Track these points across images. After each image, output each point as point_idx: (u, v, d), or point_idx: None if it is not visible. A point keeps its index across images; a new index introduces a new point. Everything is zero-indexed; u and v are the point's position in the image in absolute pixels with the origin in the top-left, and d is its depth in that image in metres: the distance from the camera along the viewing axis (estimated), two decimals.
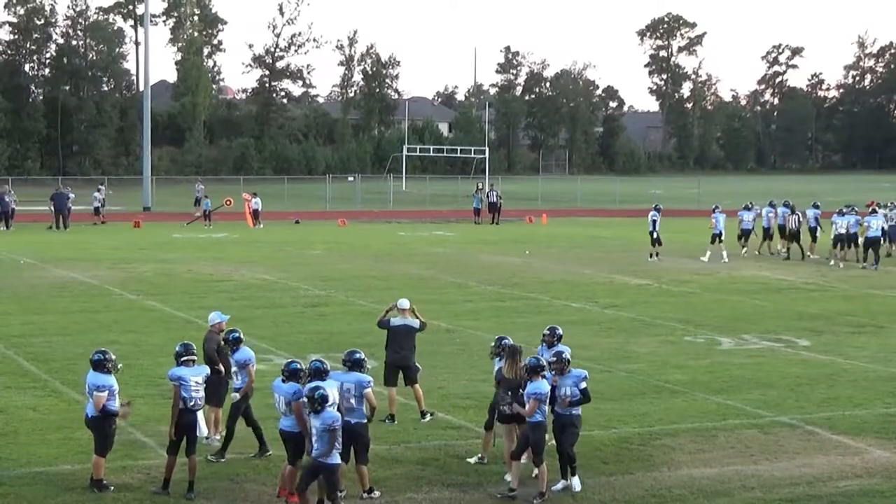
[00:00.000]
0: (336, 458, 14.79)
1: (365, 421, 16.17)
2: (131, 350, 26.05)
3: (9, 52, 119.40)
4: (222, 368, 18.17)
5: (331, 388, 15.40)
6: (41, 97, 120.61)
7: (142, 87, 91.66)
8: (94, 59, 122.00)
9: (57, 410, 20.92)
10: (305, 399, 15.07)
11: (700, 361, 25.98)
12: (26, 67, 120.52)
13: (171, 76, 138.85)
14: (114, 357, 16.54)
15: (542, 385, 16.07)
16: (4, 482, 16.71)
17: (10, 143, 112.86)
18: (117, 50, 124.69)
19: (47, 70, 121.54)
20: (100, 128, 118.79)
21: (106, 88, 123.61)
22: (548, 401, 16.24)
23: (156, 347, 26.43)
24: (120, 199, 79.91)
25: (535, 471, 16.27)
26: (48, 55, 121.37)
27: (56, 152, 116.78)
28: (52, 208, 63.57)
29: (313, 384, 15.19)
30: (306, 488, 14.99)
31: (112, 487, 16.24)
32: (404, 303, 20.62)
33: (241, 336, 18.14)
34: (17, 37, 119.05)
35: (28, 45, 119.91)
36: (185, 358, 16.63)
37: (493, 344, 17.73)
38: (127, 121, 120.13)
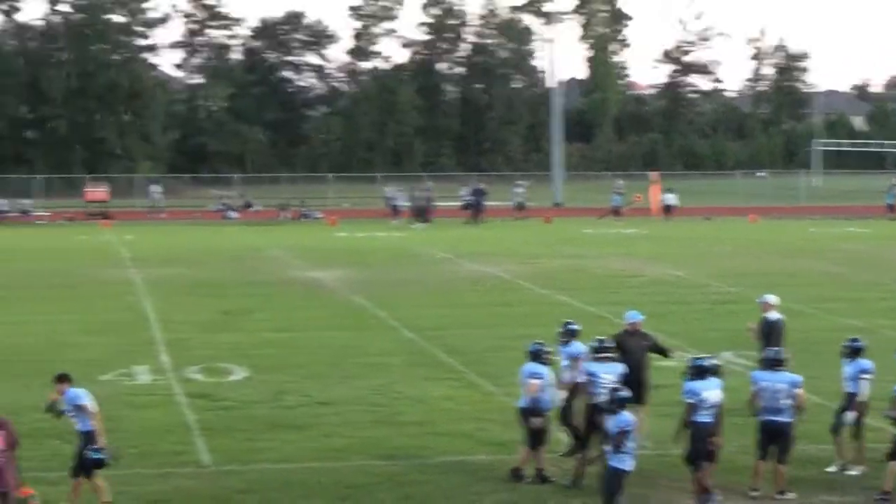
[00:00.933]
0: (622, 463, 14.60)
1: (791, 421, 15.98)
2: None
3: (424, 51, 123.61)
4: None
5: (709, 391, 15.55)
6: (455, 95, 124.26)
7: (551, 84, 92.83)
8: (505, 56, 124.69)
9: (471, 402, 21.52)
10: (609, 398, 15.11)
11: None
12: (440, 66, 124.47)
13: (581, 73, 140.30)
14: (549, 349, 16.97)
15: None
16: (423, 470, 17.35)
17: (426, 141, 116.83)
18: (527, 47, 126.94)
19: (460, 69, 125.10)
20: (511, 125, 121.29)
21: (517, 86, 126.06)
22: None
23: None
24: (531, 196, 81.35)
25: None
26: (461, 54, 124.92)
27: (469, 149, 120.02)
28: (469, 204, 65.66)
29: (615, 389, 15.22)
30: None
31: (529, 479, 16.56)
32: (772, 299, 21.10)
33: (577, 329, 18.13)
34: (431, 37, 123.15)
35: (442, 45, 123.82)
36: (602, 355, 16.83)
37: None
38: (537, 117, 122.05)
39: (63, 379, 15.71)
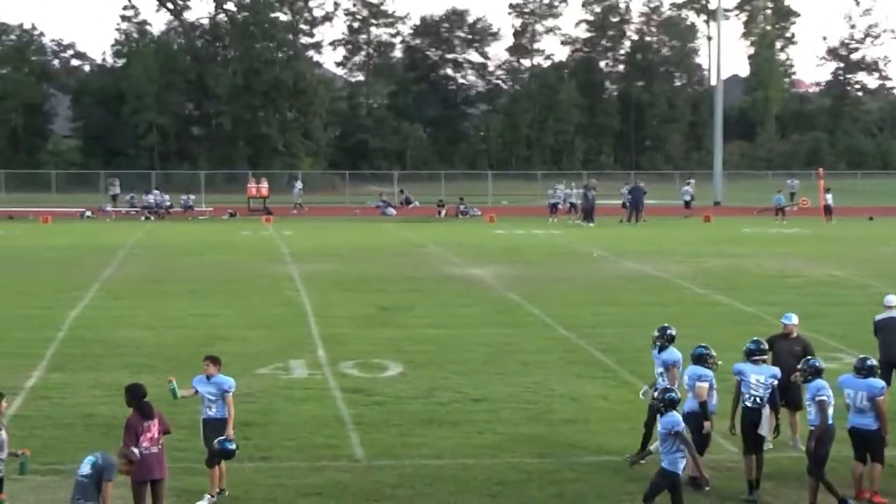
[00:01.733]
0: (674, 465, 14.40)
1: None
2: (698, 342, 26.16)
3: (585, 49, 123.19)
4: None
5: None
6: (615, 93, 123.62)
7: (714, 82, 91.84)
8: (667, 54, 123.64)
9: (626, 401, 21.39)
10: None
11: None
12: (601, 64, 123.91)
13: (743, 70, 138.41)
14: (714, 354, 16.75)
15: None
16: (575, 468, 17.30)
17: (586, 139, 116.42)
18: (690, 45, 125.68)
19: (621, 66, 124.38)
20: (672, 123, 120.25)
21: (678, 83, 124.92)
22: None
23: (721, 342, 26.38)
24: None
25: None
26: (622, 52, 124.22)
27: (629, 147, 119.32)
28: (628, 202, 65.40)
29: (665, 389, 15.04)
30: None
31: (708, 487, 16.32)
32: (891, 299, 20.39)
33: (674, 334, 17.78)
34: (593, 34, 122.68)
35: (603, 42, 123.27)
36: (756, 357, 16.59)
37: None
38: (698, 116, 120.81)
39: (216, 361, 16.03)
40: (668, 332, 17.68)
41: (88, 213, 69.30)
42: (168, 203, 70.38)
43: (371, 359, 25.20)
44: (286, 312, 31.69)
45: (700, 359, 16.69)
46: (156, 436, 14.11)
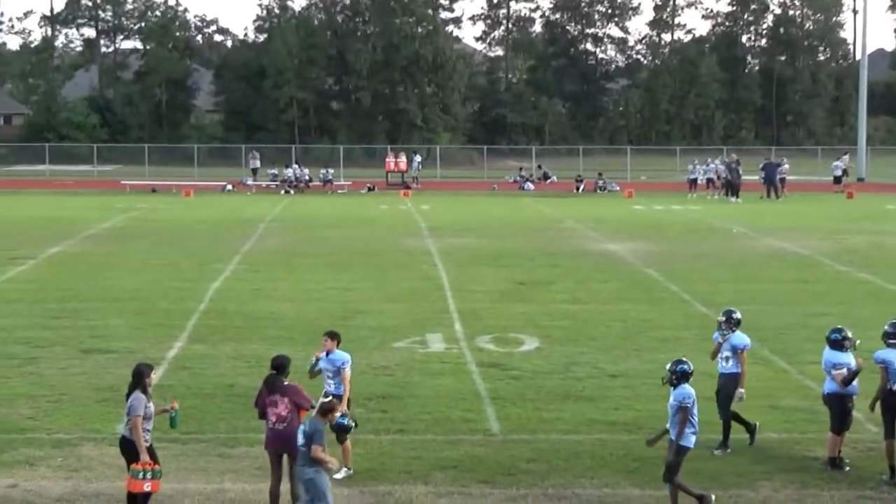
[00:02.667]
0: (684, 440, 14.35)
1: None
2: (841, 321, 25.74)
3: (727, 23, 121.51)
4: None
5: None
6: (757, 68, 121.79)
7: (858, 56, 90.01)
8: (811, 28, 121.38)
9: (764, 378, 21.11)
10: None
11: None
12: (743, 38, 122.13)
13: (889, 44, 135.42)
14: (851, 335, 16.44)
15: None
16: (713, 446, 17.09)
17: (726, 114, 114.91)
18: (834, 19, 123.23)
19: (763, 40, 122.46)
20: (814, 98, 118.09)
21: (821, 58, 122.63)
22: None
23: (865, 321, 25.90)
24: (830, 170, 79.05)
25: None
26: (765, 25, 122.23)
27: (770, 122, 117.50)
28: (763, 178, 64.47)
29: (678, 361, 14.80)
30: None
31: (848, 468, 16.10)
32: None
33: (740, 318, 17.30)
34: (735, 8, 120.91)
35: (745, 17, 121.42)
36: (893, 340, 16.22)
37: None
38: (842, 90, 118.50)
39: (334, 336, 16.14)
40: (735, 315, 17.33)
41: (229, 187, 70.35)
42: (307, 177, 71.15)
43: (508, 333, 25.22)
44: (423, 286, 31.85)
45: (836, 344, 16.35)
46: (283, 413, 14.05)
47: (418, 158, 77.52)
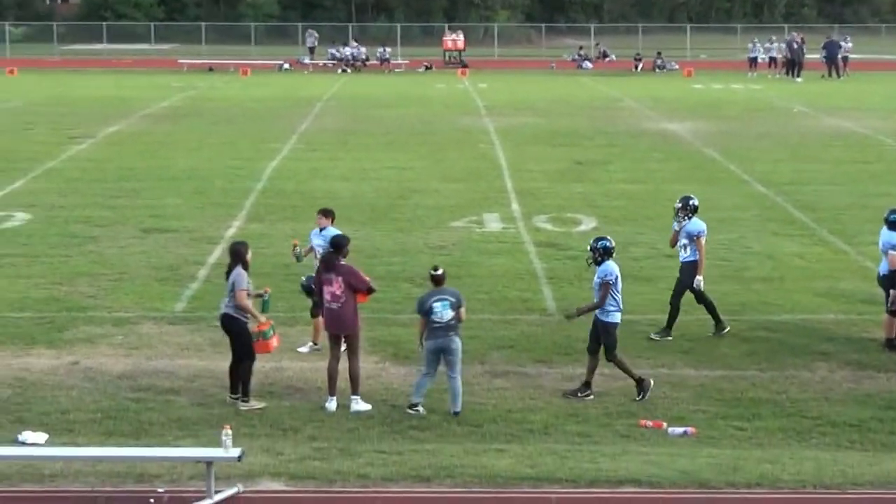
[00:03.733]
0: (608, 316, 14.43)
1: None
2: None
3: None
4: None
5: None
6: None
7: None
8: None
9: (823, 259, 21.04)
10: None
11: None
12: None
13: None
14: None
15: None
16: (769, 327, 17.13)
17: None
18: None
19: None
20: None
21: None
22: None
23: None
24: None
25: None
26: None
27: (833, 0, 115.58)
28: (825, 57, 63.49)
29: (599, 237, 14.93)
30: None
31: None
32: None
33: (696, 204, 16.98)
34: None
35: None
36: None
37: None
38: None
39: (328, 214, 16.24)
40: (692, 202, 17.02)
41: (286, 66, 70.16)
42: (364, 56, 70.78)
43: (565, 213, 25.21)
44: (480, 166, 31.79)
45: (894, 225, 16.17)
46: (337, 293, 14.04)
47: (460, 38, 75.48)
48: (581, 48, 76.82)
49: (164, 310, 17.89)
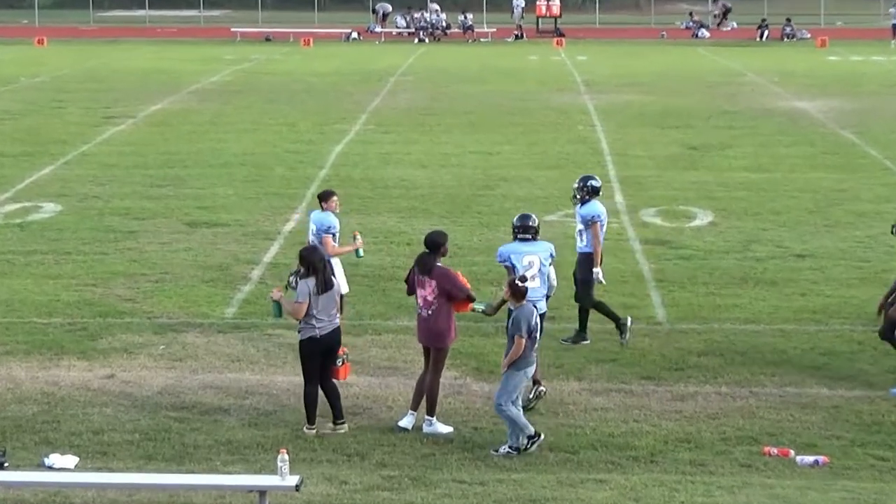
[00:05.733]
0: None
1: None
2: None
3: None
4: None
5: None
6: None
7: None
8: None
9: None
10: None
11: None
12: None
13: None
14: None
15: None
16: None
17: None
18: None
19: None
20: None
21: None
22: None
23: None
24: None
25: None
26: None
27: None
28: None
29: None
30: None
31: None
32: None
33: (597, 185, 16.87)
34: None
35: None
36: None
37: None
38: None
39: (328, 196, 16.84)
40: (591, 182, 16.77)
41: (354, 35, 70.49)
42: (445, 23, 70.90)
43: (677, 206, 25.09)
44: (578, 151, 31.73)
45: None
46: (429, 298, 13.83)
47: (522, 4, 75.32)
48: (692, 14, 76.31)
49: (211, 316, 17.98)
